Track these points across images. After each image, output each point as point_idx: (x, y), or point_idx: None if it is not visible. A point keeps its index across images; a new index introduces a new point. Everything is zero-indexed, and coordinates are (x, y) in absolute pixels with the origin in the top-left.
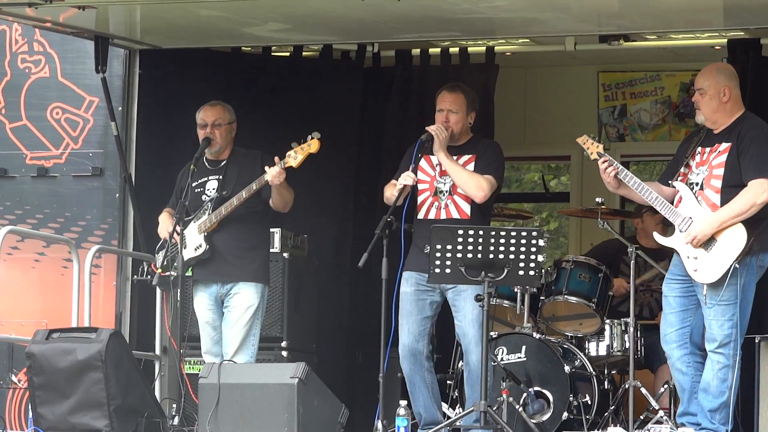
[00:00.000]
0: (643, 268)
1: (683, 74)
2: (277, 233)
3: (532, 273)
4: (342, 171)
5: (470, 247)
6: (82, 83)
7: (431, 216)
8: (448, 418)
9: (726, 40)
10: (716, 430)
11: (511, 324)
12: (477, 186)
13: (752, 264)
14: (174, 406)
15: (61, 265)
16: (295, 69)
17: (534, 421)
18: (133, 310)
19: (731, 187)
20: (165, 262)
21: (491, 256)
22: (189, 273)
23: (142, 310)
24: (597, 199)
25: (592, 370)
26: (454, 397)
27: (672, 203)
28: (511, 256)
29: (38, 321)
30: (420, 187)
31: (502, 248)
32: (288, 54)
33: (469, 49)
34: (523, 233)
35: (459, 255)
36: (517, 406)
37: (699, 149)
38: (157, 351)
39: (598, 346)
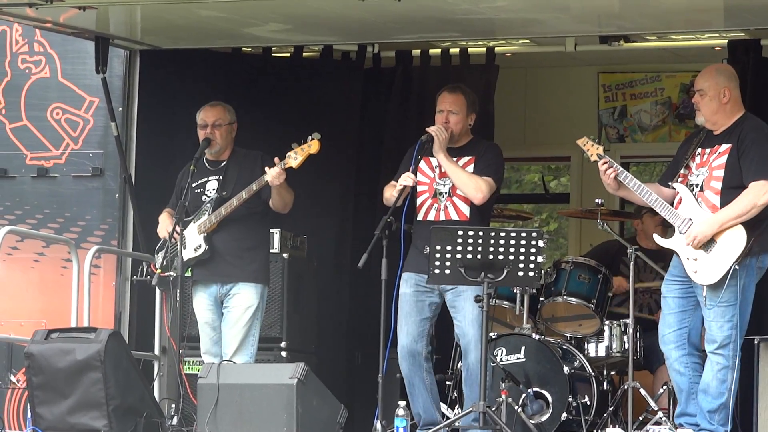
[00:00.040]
0: (643, 269)
1: (683, 75)
2: (276, 234)
3: (531, 274)
4: (342, 171)
5: (470, 248)
6: (83, 83)
7: (430, 217)
8: (447, 418)
9: (726, 41)
10: (715, 431)
11: (511, 325)
12: (476, 188)
13: (752, 265)
14: (173, 406)
15: (61, 265)
16: (296, 69)
17: (533, 421)
18: (132, 311)
19: (731, 189)
20: (164, 263)
21: (491, 256)
22: (188, 273)
23: (142, 311)
24: (597, 200)
25: (591, 370)
26: (453, 397)
27: (672, 205)
28: (511, 257)
29: (37, 321)
30: (419, 188)
31: (501, 249)
32: (288, 54)
33: (470, 49)
34: (523, 234)
35: (458, 256)
36: (516, 407)
37: (699, 150)
38: (156, 351)
39: (597, 347)
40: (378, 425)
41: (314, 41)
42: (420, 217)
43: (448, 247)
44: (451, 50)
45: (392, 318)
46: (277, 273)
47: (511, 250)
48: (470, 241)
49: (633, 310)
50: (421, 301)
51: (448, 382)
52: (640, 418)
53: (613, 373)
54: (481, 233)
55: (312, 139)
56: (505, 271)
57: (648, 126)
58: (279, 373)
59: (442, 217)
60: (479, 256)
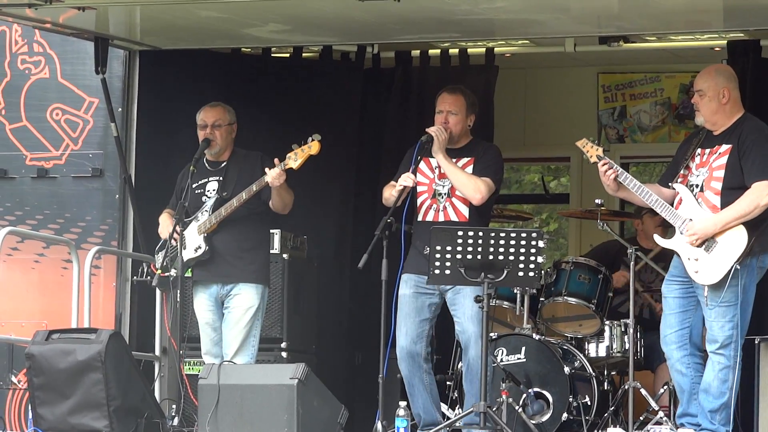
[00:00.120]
0: (644, 270)
1: (683, 75)
2: (276, 234)
3: (531, 274)
4: (342, 172)
5: (470, 248)
6: (82, 84)
7: (429, 218)
8: (448, 418)
9: (726, 42)
10: (716, 431)
11: (511, 325)
12: (474, 188)
13: (753, 265)
14: (174, 406)
15: (61, 266)
16: (295, 70)
17: (534, 421)
18: (132, 311)
19: (731, 189)
20: (165, 263)
21: (491, 257)
22: (188, 274)
23: (142, 311)
24: (596, 201)
25: (591, 371)
26: (454, 397)
27: (672, 205)
28: (511, 258)
29: (38, 322)
30: (419, 189)
31: (501, 249)
32: (288, 55)
33: (469, 50)
34: (523, 234)
35: (459, 256)
36: (516, 407)
37: (699, 151)
38: (157, 352)
39: (597, 347)
40: (379, 425)
41: (314, 42)
42: (419, 218)
43: (448, 248)
44: (451, 51)
45: (392, 318)
46: (277, 273)
47: (511, 250)
48: (470, 241)
49: (633, 311)
50: (420, 302)
51: (448, 383)
52: (641, 418)
53: (613, 373)
54: (481, 233)
55: (312, 140)
56: (506, 272)
57: (648, 126)
58: (279, 373)
59: (442, 218)
60: (479, 257)
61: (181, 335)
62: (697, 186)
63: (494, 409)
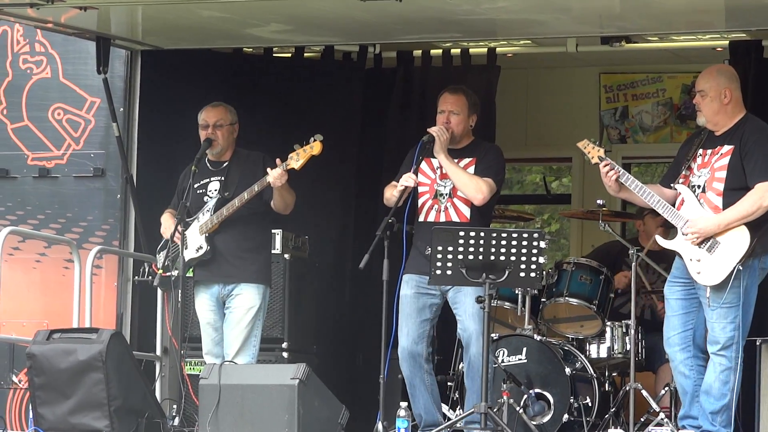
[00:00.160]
0: (645, 271)
1: (685, 76)
2: (278, 234)
3: (533, 275)
4: (343, 172)
5: (471, 249)
6: (84, 84)
7: (431, 219)
8: (449, 419)
9: (728, 42)
10: None
11: (512, 326)
12: (476, 189)
13: (755, 266)
14: (174, 406)
15: (63, 265)
16: (297, 70)
17: (534, 422)
18: (134, 311)
19: (733, 190)
20: (166, 263)
21: (492, 257)
22: (190, 274)
23: (143, 311)
24: (598, 201)
25: (592, 372)
26: (455, 398)
27: (673, 205)
28: (512, 258)
29: (39, 321)
30: (420, 189)
31: (503, 250)
32: (289, 55)
33: (471, 50)
34: (524, 235)
35: (460, 256)
36: (517, 408)
37: (700, 151)
38: (158, 352)
39: (598, 348)
40: (380, 426)
41: (315, 42)
42: (421, 218)
43: (450, 248)
44: (453, 51)
45: (394, 319)
46: (278, 274)
47: (513, 251)
48: (472, 242)
49: (634, 312)
50: (421, 302)
51: (449, 383)
52: (642, 420)
53: (614, 374)
54: (482, 234)
55: (314, 140)
56: (507, 272)
57: (649, 127)
58: (280, 373)
59: (443, 219)
60: (481, 257)
61: (182, 335)
62: (698, 187)
63: (495, 409)
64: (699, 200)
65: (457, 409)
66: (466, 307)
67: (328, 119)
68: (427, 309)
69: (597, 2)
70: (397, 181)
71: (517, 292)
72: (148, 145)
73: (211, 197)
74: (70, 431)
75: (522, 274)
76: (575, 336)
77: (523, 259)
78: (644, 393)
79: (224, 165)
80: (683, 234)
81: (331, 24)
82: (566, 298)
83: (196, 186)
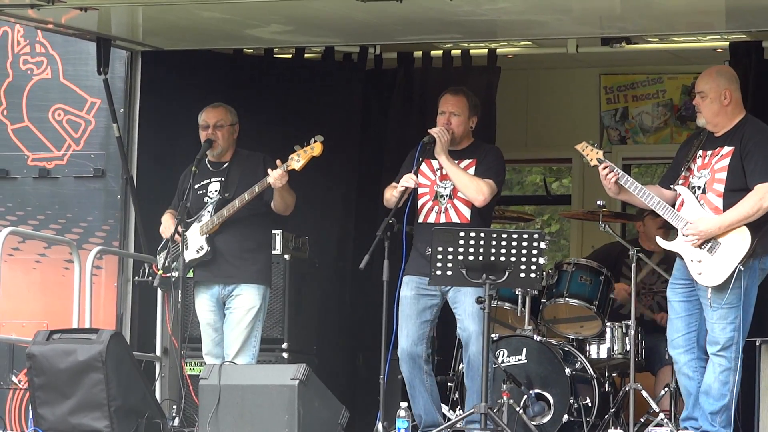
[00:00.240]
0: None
1: (685, 77)
2: (278, 235)
3: (533, 275)
4: (343, 173)
5: (471, 250)
6: (84, 85)
7: (431, 220)
8: (449, 419)
9: (728, 43)
10: None
11: (512, 326)
12: (477, 190)
13: (755, 267)
14: (174, 407)
15: (63, 266)
16: (297, 71)
17: (534, 423)
18: (134, 312)
19: (734, 191)
20: (166, 264)
21: (492, 258)
22: (190, 274)
23: (143, 312)
24: (598, 202)
25: (592, 372)
26: (455, 399)
27: (673, 206)
28: (512, 259)
29: (39, 322)
30: (420, 191)
31: (503, 250)
32: (290, 56)
33: (471, 51)
34: (525, 236)
35: (460, 257)
36: (517, 408)
37: (700, 152)
38: (158, 352)
39: (598, 348)
40: (380, 426)
41: (316, 42)
42: (421, 220)
43: (450, 249)
44: (453, 52)
45: (394, 319)
46: (278, 274)
47: (513, 251)
48: (472, 242)
49: (635, 312)
50: (421, 304)
51: (449, 384)
52: (642, 420)
53: (614, 374)
54: (482, 235)
55: (315, 141)
56: (507, 273)
57: (650, 128)
58: (280, 374)
59: (443, 220)
60: (481, 258)
61: (182, 335)
62: (699, 188)
63: (495, 410)
64: (699, 201)
65: (457, 409)
66: (466, 306)
67: (328, 120)
68: (427, 310)
69: (597, 3)
70: (397, 182)
71: (517, 292)
72: (148, 146)
73: (211, 198)
74: (70, 431)
75: (522, 275)
76: (575, 336)
77: (523, 259)
78: (644, 393)
79: (225, 166)
80: (684, 235)
81: (332, 25)
82: (566, 298)
83: (196, 187)
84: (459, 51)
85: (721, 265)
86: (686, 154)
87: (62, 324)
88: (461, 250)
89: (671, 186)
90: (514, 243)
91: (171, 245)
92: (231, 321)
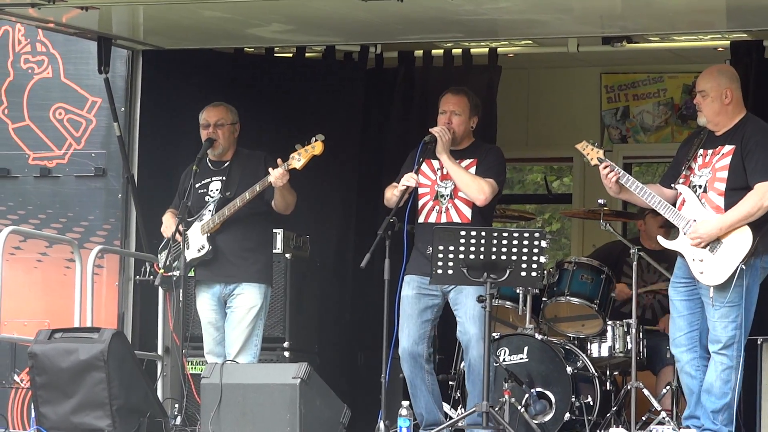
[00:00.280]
0: (647, 270)
1: (686, 76)
2: (279, 234)
3: (534, 274)
4: (344, 172)
5: (472, 248)
6: (85, 84)
7: (432, 219)
8: (450, 418)
9: (729, 42)
10: (719, 431)
11: (513, 325)
12: (479, 189)
13: (756, 265)
14: (176, 406)
15: (64, 265)
16: (298, 70)
17: (536, 421)
18: (135, 311)
19: (735, 190)
20: (167, 263)
21: (493, 257)
22: (191, 273)
23: (145, 311)
24: (599, 201)
25: (594, 371)
26: (456, 397)
27: (674, 205)
28: (514, 258)
29: (41, 321)
30: (420, 191)
31: (504, 249)
32: (291, 55)
33: (472, 50)
34: (526, 234)
35: (461, 256)
36: (519, 407)
37: (701, 151)
38: (160, 351)
39: (600, 347)
40: (381, 425)
41: (317, 42)
42: (421, 219)
43: (451, 248)
44: (454, 51)
45: (395, 318)
46: (279, 273)
47: (514, 250)
48: (473, 241)
49: (636, 311)
50: (422, 303)
51: (450, 382)
52: (643, 419)
53: (616, 373)
54: (483, 233)
55: (315, 140)
56: (508, 272)
57: (650, 127)
58: (282, 373)
59: (444, 219)
60: (482, 257)
61: (184, 334)
62: (700, 187)
63: (497, 408)
64: (700, 200)
65: (459, 408)
66: (467, 309)
67: (329, 119)
68: (428, 310)
69: (598, 2)
70: (398, 182)
71: (518, 291)
72: (149, 145)
73: (212, 197)
74: (72, 430)
75: (523, 274)
76: (576, 335)
77: (524, 258)
78: (645, 392)
79: (226, 165)
80: (684, 234)
81: (333, 24)
82: (567, 297)
83: (197, 186)
84: (460, 50)
85: (723, 264)
86: (687, 153)
87: (64, 323)
88: (462, 249)
89: (672, 185)
90: (515, 242)
91: (172, 244)
92: (232, 320)
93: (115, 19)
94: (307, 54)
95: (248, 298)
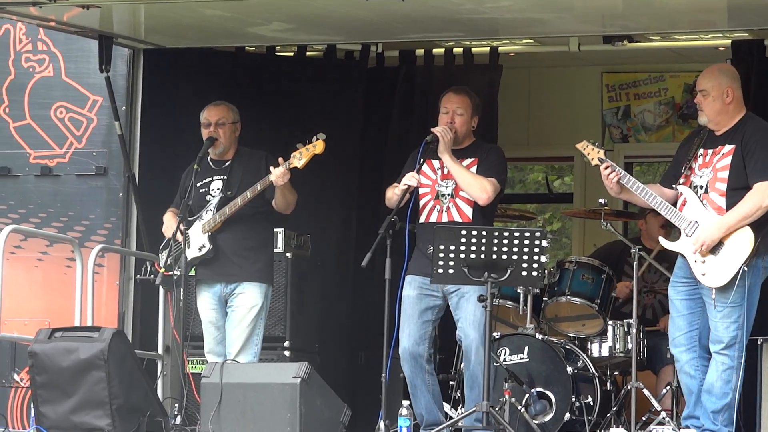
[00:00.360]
0: (648, 270)
1: (687, 75)
2: (280, 233)
3: (535, 274)
4: (345, 171)
5: (473, 248)
6: (86, 82)
7: (433, 219)
8: (450, 418)
9: (730, 41)
10: (719, 431)
11: (514, 325)
12: (481, 188)
13: (758, 266)
14: (176, 405)
15: (65, 264)
16: (299, 69)
17: (536, 421)
18: (135, 310)
19: (736, 190)
20: (168, 262)
21: (494, 256)
22: (192, 273)
23: (145, 310)
24: (600, 201)
25: (594, 371)
26: (456, 397)
27: (674, 205)
28: (514, 257)
29: (41, 320)
30: (421, 191)
31: (505, 249)
32: (292, 54)
33: (473, 49)
34: (527, 234)
35: (462, 255)
36: (519, 407)
37: (701, 151)
38: (160, 350)
39: (600, 347)
40: (381, 425)
41: (318, 40)
42: (422, 219)
43: (452, 247)
44: (455, 50)
45: (396, 318)
46: (280, 272)
47: (515, 249)
48: (474, 240)
49: (636, 311)
50: (424, 303)
51: (451, 382)
52: (644, 419)
53: (616, 373)
54: (484, 233)
55: (317, 139)
56: (509, 271)
57: (651, 126)
58: (282, 372)
59: (445, 219)
60: (483, 256)
61: (184, 334)
62: (701, 187)
63: (497, 408)
64: (702, 201)
65: (459, 407)
66: (468, 314)
67: (330, 118)
68: (429, 311)
69: (599, 1)
70: (399, 182)
71: (519, 290)
72: (150, 144)
73: (213, 196)
74: (72, 430)
75: (524, 273)
76: (577, 335)
77: (525, 258)
78: (646, 392)
79: (227, 164)
80: (687, 236)
81: (334, 23)
82: (568, 297)
83: (198, 185)
84: (461, 49)
85: (725, 265)
86: (687, 152)
87: (64, 322)
88: (463, 248)
89: (673, 185)
90: (516, 241)
91: (173, 243)
92: (233, 319)
93: (116, 17)
94: (308, 53)
95: (249, 297)
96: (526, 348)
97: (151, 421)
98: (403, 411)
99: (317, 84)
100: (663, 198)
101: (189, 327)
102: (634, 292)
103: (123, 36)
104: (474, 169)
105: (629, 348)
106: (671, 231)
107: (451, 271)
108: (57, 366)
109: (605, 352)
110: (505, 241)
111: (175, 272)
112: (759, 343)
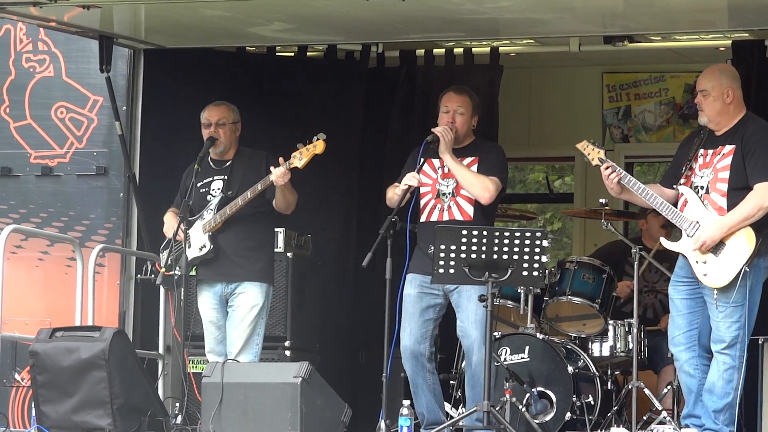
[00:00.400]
0: (648, 270)
1: (687, 75)
2: (280, 233)
3: (535, 273)
4: (346, 171)
5: (474, 248)
6: (87, 83)
7: (434, 218)
8: (451, 417)
9: (730, 42)
10: (720, 431)
11: (515, 324)
12: (483, 187)
13: (760, 265)
14: (177, 404)
15: (65, 264)
16: (300, 69)
17: (537, 421)
18: (136, 309)
19: (737, 190)
20: (169, 262)
21: (495, 256)
22: (193, 272)
23: (146, 310)
24: (600, 200)
25: (595, 370)
26: (457, 396)
27: (675, 206)
28: (515, 257)
29: (42, 320)
30: (422, 190)
31: (506, 249)
32: (292, 54)
33: (474, 49)
34: (527, 234)
35: (463, 255)
36: (520, 407)
37: (701, 151)
38: (161, 350)
39: (601, 346)
40: (382, 424)
41: (318, 41)
42: (423, 219)
43: (453, 247)
44: (455, 50)
45: (397, 317)
46: (281, 272)
47: (516, 249)
48: (474, 240)
49: (637, 310)
50: (424, 302)
51: (452, 382)
52: (644, 418)
53: (617, 372)
54: (485, 233)
55: (317, 139)
56: (510, 271)
57: (652, 126)
58: (283, 372)
59: (446, 218)
60: (484, 256)
61: (185, 333)
62: (702, 187)
63: (498, 408)
64: (703, 201)
65: (460, 407)
66: (469, 312)
67: (330, 118)
68: (431, 309)
69: (600, 2)
70: (400, 182)
71: (519, 290)
72: (150, 144)
73: (214, 196)
74: (73, 429)
75: (525, 273)
76: (578, 335)
77: (526, 257)
78: (647, 391)
79: (227, 164)
80: (688, 236)
81: (334, 23)
82: (569, 296)
83: (199, 185)
84: (461, 49)
85: (727, 266)
86: (687, 153)
87: (65, 322)
88: (464, 248)
89: (673, 186)
90: (517, 241)
91: (174, 243)
92: (234, 319)
93: (117, 17)
94: (308, 53)
95: (250, 297)
96: (527, 348)
97: (152, 421)
98: (404, 410)
99: (317, 84)
100: (663, 198)
101: (190, 327)
102: (634, 291)
103: (123, 36)
104: (474, 167)
105: (630, 348)
106: (672, 231)
107: (451, 270)
108: (58, 365)
109: (606, 352)
110: (506, 241)
111: (176, 272)
112: (760, 342)
